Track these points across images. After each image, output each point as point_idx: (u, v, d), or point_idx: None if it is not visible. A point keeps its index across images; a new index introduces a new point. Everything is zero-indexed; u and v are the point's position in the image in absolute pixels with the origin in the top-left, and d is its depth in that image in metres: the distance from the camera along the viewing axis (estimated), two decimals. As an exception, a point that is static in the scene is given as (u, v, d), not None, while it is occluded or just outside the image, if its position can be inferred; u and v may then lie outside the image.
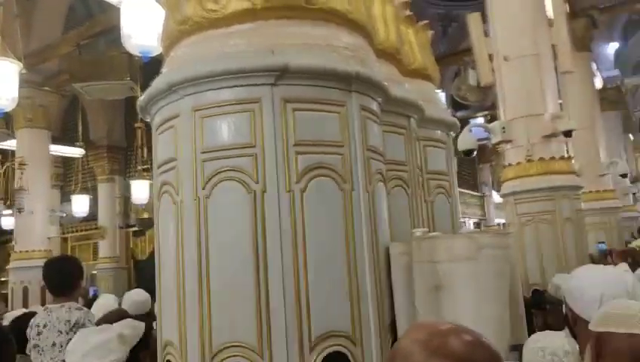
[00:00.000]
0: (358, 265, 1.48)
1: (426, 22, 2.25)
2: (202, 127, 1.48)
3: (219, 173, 1.45)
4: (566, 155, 5.11)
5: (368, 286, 1.49)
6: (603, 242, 7.11)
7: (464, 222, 13.13)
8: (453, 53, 11.14)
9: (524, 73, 5.16)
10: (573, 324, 1.58)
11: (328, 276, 1.44)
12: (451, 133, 2.25)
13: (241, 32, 1.53)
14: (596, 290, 1.49)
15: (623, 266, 3.49)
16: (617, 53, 14.28)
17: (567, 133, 4.91)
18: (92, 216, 12.38)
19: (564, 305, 1.60)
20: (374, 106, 1.66)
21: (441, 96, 14.30)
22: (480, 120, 13.78)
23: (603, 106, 11.90)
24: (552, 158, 5.00)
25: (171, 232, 1.53)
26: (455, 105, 14.39)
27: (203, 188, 1.46)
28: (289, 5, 1.53)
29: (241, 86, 1.47)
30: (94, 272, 12.51)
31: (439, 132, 2.16)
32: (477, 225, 17.08)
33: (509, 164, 5.24)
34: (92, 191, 12.45)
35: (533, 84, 5.12)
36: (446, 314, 1.49)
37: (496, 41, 5.40)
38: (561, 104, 8.98)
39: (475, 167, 17.00)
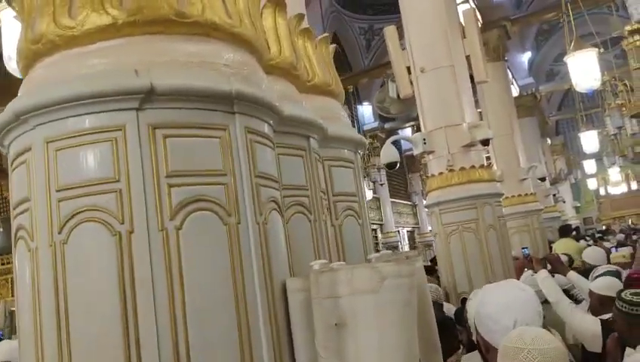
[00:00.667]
0: (249, 308, 1.30)
1: (325, 35, 2.13)
2: (57, 162, 1.27)
3: (77, 213, 1.24)
4: (485, 163, 5.20)
5: (262, 330, 1.32)
6: (526, 247, 7.33)
7: (379, 245, 13.19)
8: (377, 67, 11.33)
9: (441, 84, 5.24)
10: (485, 352, 1.48)
11: (214, 326, 1.25)
12: (359, 151, 2.14)
13: (102, 50, 1.34)
14: (509, 318, 1.40)
15: (543, 274, 3.54)
16: (531, 62, 15.10)
17: (485, 142, 5.00)
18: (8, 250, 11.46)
19: (474, 332, 1.51)
20: (264, 128, 1.51)
21: (367, 109, 14.51)
22: (408, 131, 14.06)
23: (520, 113, 12.47)
24: (473, 167, 5.07)
25: (28, 288, 1.30)
26: (382, 117, 14.64)
27: (59, 233, 1.24)
28: (157, 19, 1.35)
29: (101, 112, 1.27)
30: (13, 309, 11.54)
31: (346, 151, 2.05)
32: (411, 233, 17.39)
33: (432, 175, 5.27)
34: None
35: (450, 95, 5.20)
36: (349, 353, 1.35)
37: (412, 53, 5.45)
38: (480, 113, 9.33)
39: (405, 177, 17.35)
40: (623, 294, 2.33)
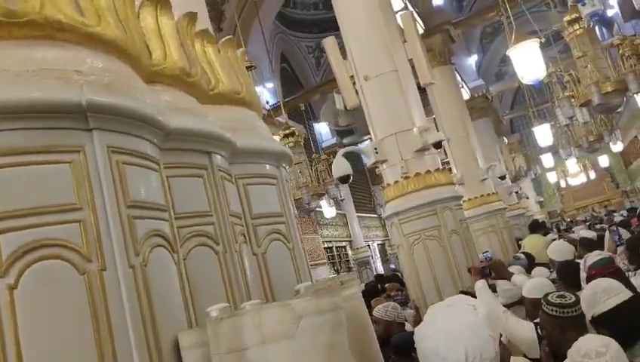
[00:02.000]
0: (123, 377, 1.00)
1: (229, 37, 1.86)
2: None
3: None
4: (441, 167, 5.01)
5: (147, 405, 1.02)
6: (487, 251, 7.18)
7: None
8: (327, 82, 11.15)
9: (386, 90, 5.05)
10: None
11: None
12: (283, 165, 1.86)
13: None
14: (457, 351, 1.14)
15: (479, 284, 3.31)
16: (478, 64, 15.29)
17: (438, 145, 4.82)
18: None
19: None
20: (142, 147, 1.22)
21: (324, 126, 14.31)
22: (367, 143, 13.89)
23: (473, 115, 12.51)
24: (428, 172, 4.87)
25: None
26: (339, 132, 14.50)
27: None
28: (-24, 21, 1.06)
29: None
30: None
31: (267, 166, 1.76)
32: (381, 245, 17.18)
33: (388, 184, 5.05)
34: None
35: (396, 101, 5.01)
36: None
37: (354, 62, 5.27)
38: (434, 119, 9.25)
39: (370, 190, 17.19)
40: (549, 298, 2.15)
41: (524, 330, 2.68)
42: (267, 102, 9.81)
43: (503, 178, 8.87)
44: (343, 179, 4.84)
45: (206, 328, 1.11)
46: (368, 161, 5.03)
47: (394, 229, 5.00)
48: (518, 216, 11.99)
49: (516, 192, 13.49)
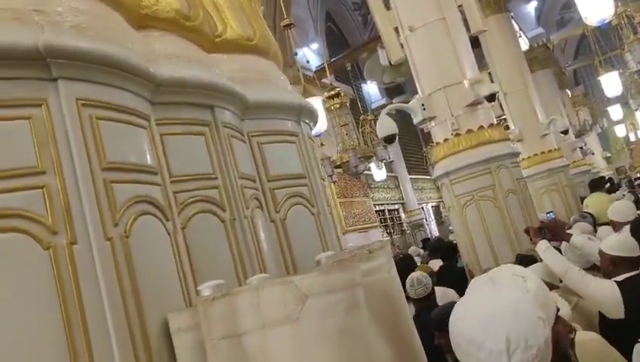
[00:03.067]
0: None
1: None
2: None
3: None
4: (495, 122, 4.63)
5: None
6: (551, 211, 6.71)
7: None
8: (374, 39, 10.67)
9: (433, 41, 4.68)
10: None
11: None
12: (305, 120, 1.65)
13: None
14: (497, 337, 0.92)
15: (542, 245, 2.96)
16: (538, 11, 14.24)
17: (491, 98, 4.44)
18: None
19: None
20: (123, 100, 1.05)
21: (373, 86, 13.84)
22: (414, 99, 13.35)
23: (533, 67, 11.71)
24: (481, 128, 4.52)
25: None
26: (389, 91, 14.02)
27: None
28: None
29: None
30: None
31: (286, 122, 1.56)
32: (436, 208, 16.76)
33: (437, 143, 4.74)
34: None
35: (445, 52, 4.64)
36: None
37: (398, 12, 4.90)
38: (489, 74, 8.67)
39: (422, 150, 16.69)
40: None
41: (607, 290, 2.43)
42: (308, 62, 9.50)
43: (565, 133, 8.25)
44: (388, 139, 4.57)
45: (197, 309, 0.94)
46: (415, 119, 4.72)
47: (444, 190, 4.72)
48: (583, 173, 11.26)
49: (581, 148, 12.65)
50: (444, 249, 5.80)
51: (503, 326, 0.93)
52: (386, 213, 13.42)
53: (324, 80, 9.33)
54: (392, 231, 13.33)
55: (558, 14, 16.67)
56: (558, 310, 1.30)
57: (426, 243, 9.37)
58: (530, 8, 13.58)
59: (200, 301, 0.92)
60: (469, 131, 4.50)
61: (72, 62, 0.95)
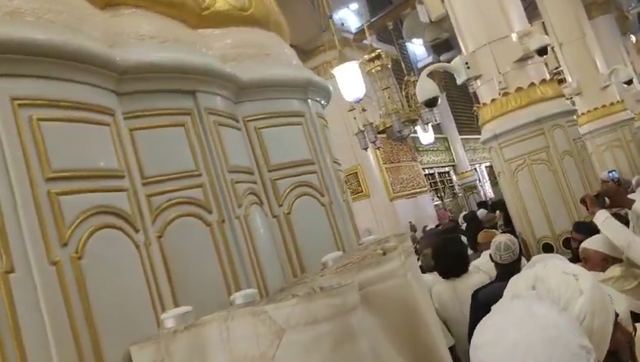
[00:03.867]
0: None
1: None
2: None
3: None
4: (548, 77, 4.23)
5: None
6: (614, 170, 6.21)
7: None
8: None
9: (476, -8, 4.28)
10: None
11: None
12: (316, 98, 1.45)
13: None
14: None
15: (601, 215, 2.62)
16: (597, -49, 13.01)
17: (542, 51, 4.03)
18: None
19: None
20: (74, 95, 0.89)
21: (418, 45, 13.20)
22: (458, 57, 12.71)
23: (592, 13, 10.81)
24: (532, 85, 4.14)
25: None
26: (436, 49, 13.36)
27: None
28: None
29: None
30: None
31: (290, 101, 1.37)
32: (490, 168, 16.12)
33: (484, 104, 4.40)
34: None
35: (489, 3, 4.24)
36: None
37: (436, -37, 4.52)
38: (543, 24, 8.01)
39: (473, 109, 15.97)
40: None
41: None
42: (342, 24, 9.09)
43: (629, 83, 7.57)
44: (430, 103, 4.27)
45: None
46: (459, 79, 4.39)
47: (494, 155, 4.39)
48: (649, 125, 10.43)
49: (647, 98, 11.69)
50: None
51: (531, 358, 0.73)
52: (436, 177, 13.01)
53: (365, 42, 8.96)
54: (442, 194, 12.94)
55: (621, -48, 15.24)
56: (617, 316, 1.07)
57: (482, 206, 9.00)
58: (589, -53, 12.41)
59: (162, 334, 0.77)
60: (519, 89, 4.14)
61: (4, 56, 0.80)
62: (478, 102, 4.53)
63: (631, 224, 2.73)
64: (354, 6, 10.60)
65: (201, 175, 1.07)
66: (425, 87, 4.24)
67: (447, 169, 13.75)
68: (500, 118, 4.23)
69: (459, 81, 4.44)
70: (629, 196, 2.90)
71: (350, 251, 1.23)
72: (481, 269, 3.31)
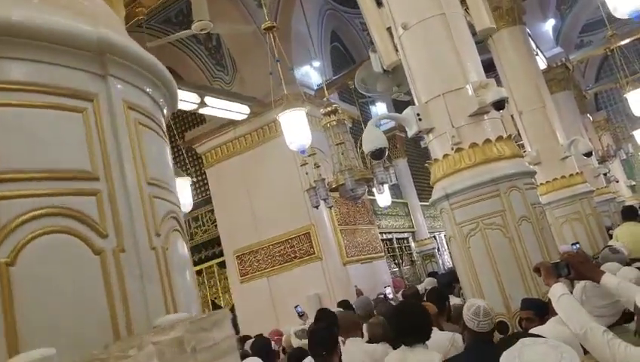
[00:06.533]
0: None
1: None
2: None
3: None
4: (505, 135, 3.85)
5: None
6: (577, 243, 5.85)
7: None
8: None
9: (431, 40, 3.96)
10: None
11: None
12: (128, 79, 0.91)
13: None
14: None
15: (558, 290, 2.21)
16: (557, 31, 13.49)
17: (499, 105, 3.67)
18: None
19: None
20: None
21: (382, 106, 13.10)
22: (408, 109, 12.60)
23: (552, 88, 10.95)
24: (488, 141, 3.74)
25: None
26: (401, 110, 13.27)
27: None
28: None
29: None
30: None
31: (77, 73, 0.83)
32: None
33: (436, 160, 3.96)
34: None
35: (444, 52, 3.91)
36: None
37: (390, 9, 4.21)
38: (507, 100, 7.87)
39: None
40: None
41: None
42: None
43: (589, 155, 7.39)
44: (376, 155, 3.81)
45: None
46: (409, 132, 3.97)
47: (444, 217, 3.92)
48: (607, 201, 10.32)
49: (604, 174, 11.72)
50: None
51: None
52: (395, 242, 12.52)
53: (326, 99, 8.66)
54: (400, 261, 12.42)
55: (578, 37, 15.90)
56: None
57: (432, 276, 8.54)
58: (548, 27, 12.83)
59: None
60: (474, 145, 3.73)
61: None
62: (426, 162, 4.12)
63: (582, 300, 2.22)
64: (316, 63, 10.41)
65: (98, 180, 0.51)
66: (371, 137, 3.79)
67: (406, 235, 13.32)
68: (451, 175, 3.79)
69: (410, 134, 4.03)
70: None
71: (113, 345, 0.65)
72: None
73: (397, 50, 4.31)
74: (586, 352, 2.01)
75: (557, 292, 2.18)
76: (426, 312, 2.87)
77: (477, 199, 3.68)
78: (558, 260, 2.31)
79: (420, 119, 3.88)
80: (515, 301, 3.53)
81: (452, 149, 3.77)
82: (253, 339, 5.03)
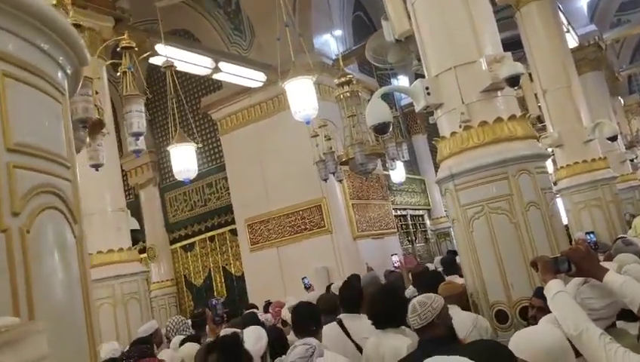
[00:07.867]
0: None
1: None
2: None
3: None
4: (518, 114, 3.60)
5: None
6: (591, 232, 5.58)
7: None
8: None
9: (445, 7, 3.69)
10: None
11: None
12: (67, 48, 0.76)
13: None
14: None
15: (554, 286, 2.04)
16: (592, 7, 12.83)
17: (513, 81, 3.42)
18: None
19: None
20: None
21: (403, 80, 12.73)
22: (417, 81, 12.25)
23: (582, 68, 10.45)
24: (499, 120, 3.51)
25: None
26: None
27: None
28: None
29: None
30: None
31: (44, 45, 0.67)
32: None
33: (443, 137, 3.75)
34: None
35: (458, 21, 3.65)
36: None
37: (405, -27, 3.94)
38: (529, 74, 7.52)
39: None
40: None
41: None
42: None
43: (614, 139, 7.03)
44: (380, 129, 3.61)
45: None
46: (417, 106, 3.76)
47: (448, 197, 3.73)
48: (631, 188, 9.94)
49: (631, 160, 11.28)
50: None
51: None
52: (409, 219, 12.33)
53: (343, 69, 8.39)
54: (413, 238, 12.25)
55: (615, 15, 15.14)
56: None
57: (452, 254, 8.33)
58: (583, 3, 12.19)
59: None
60: (483, 123, 3.50)
61: None
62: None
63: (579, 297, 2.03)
64: (337, 32, 10.09)
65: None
66: (375, 110, 3.58)
67: (421, 212, 13.10)
68: (458, 155, 3.58)
69: (417, 109, 3.81)
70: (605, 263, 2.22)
71: None
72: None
73: (409, 19, 4.06)
74: (578, 355, 1.84)
75: (553, 289, 2.00)
76: (398, 300, 2.79)
77: (483, 181, 3.47)
78: (558, 255, 2.12)
79: (428, 93, 3.66)
80: (517, 290, 3.36)
81: (460, 127, 3.55)
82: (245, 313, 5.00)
